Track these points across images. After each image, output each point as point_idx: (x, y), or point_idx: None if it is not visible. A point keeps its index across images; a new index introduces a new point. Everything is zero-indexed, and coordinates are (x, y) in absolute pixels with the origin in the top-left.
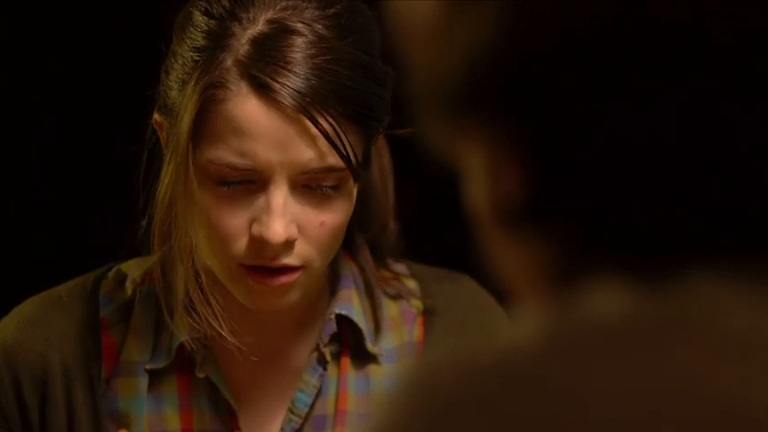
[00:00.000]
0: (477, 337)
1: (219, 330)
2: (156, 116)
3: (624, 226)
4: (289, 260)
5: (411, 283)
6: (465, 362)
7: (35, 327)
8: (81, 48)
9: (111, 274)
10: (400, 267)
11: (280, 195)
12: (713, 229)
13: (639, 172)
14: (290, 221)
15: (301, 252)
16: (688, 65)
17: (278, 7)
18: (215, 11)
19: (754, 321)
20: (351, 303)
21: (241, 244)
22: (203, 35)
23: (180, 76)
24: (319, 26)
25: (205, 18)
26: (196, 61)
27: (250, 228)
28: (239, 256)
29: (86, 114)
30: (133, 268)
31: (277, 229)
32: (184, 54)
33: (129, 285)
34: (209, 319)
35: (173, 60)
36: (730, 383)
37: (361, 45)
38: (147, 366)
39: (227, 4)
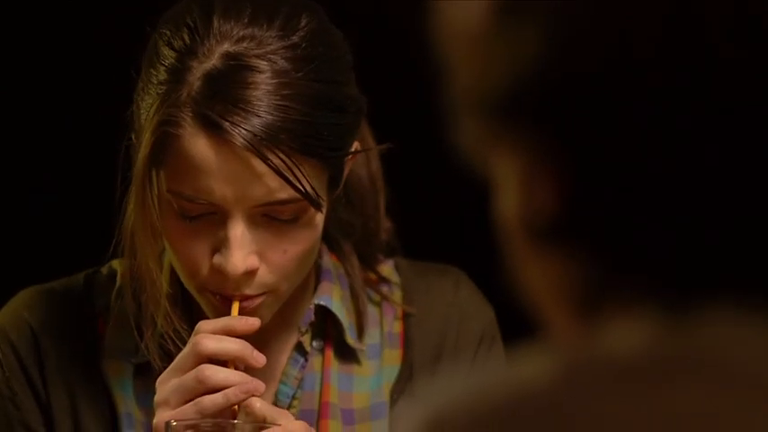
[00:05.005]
0: (492, 371)
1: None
2: (133, 138)
3: (652, 253)
4: (250, 291)
5: (395, 280)
6: (480, 400)
7: (30, 310)
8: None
9: (104, 269)
10: (388, 266)
11: (238, 227)
12: (740, 264)
13: (674, 199)
14: (249, 253)
15: (264, 281)
16: (737, 91)
17: (235, 38)
18: (176, 44)
19: None
20: (331, 295)
21: (204, 272)
22: (165, 69)
23: (146, 106)
24: (276, 58)
25: (168, 50)
26: (158, 94)
27: (213, 255)
28: (203, 283)
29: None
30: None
31: (236, 262)
32: (151, 85)
33: (118, 279)
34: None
35: (141, 90)
36: (744, 423)
37: (320, 74)
38: (134, 360)
39: (186, 38)
